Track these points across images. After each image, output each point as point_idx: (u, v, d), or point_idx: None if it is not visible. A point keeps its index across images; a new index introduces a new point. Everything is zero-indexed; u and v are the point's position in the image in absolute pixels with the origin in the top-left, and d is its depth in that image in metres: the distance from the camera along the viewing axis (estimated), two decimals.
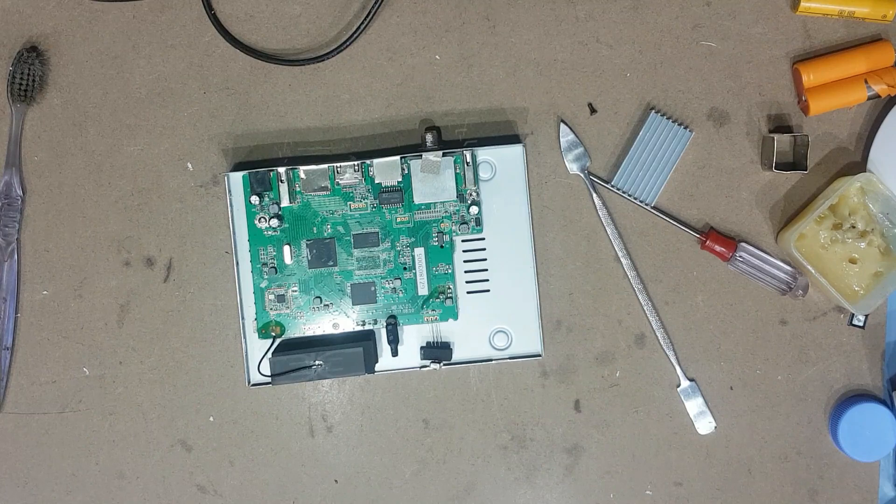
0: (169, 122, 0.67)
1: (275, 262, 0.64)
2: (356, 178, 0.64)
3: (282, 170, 0.64)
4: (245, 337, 0.65)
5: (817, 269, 0.64)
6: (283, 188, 0.64)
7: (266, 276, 0.65)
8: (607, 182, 0.66)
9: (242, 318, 0.65)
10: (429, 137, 0.64)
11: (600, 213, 0.66)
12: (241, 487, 0.67)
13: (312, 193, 0.64)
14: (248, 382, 0.65)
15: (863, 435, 0.65)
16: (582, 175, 0.66)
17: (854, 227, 0.64)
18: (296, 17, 0.67)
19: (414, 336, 0.66)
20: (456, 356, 0.66)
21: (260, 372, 0.64)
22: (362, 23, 0.65)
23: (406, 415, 0.67)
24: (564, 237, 0.67)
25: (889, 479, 0.67)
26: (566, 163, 0.66)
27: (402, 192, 0.64)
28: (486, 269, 0.65)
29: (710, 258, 0.67)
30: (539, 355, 0.65)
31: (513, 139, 0.66)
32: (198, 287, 0.67)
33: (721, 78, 0.66)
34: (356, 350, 0.62)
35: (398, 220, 0.65)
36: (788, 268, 0.65)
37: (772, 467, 0.67)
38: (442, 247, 0.65)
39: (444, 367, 0.66)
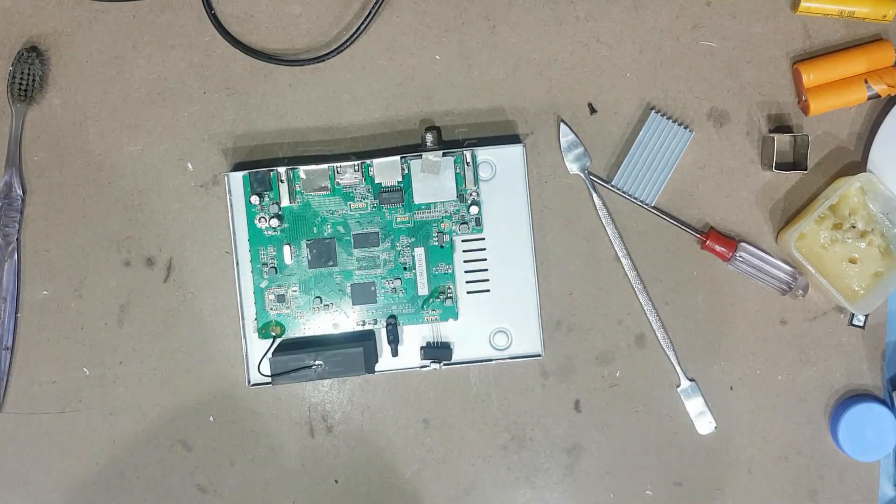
0: (169, 122, 0.67)
1: (275, 262, 0.65)
2: (356, 178, 0.64)
3: (282, 170, 0.64)
4: (245, 337, 0.65)
5: (817, 268, 0.64)
6: (283, 188, 0.64)
7: (266, 276, 0.65)
8: (607, 182, 0.66)
9: (242, 318, 0.65)
10: (429, 137, 0.64)
11: (600, 214, 0.66)
12: (241, 487, 0.67)
13: (312, 193, 0.64)
14: (248, 382, 0.65)
15: (863, 435, 0.65)
16: (582, 175, 0.66)
17: (854, 227, 0.64)
18: (296, 17, 0.67)
19: (414, 336, 0.66)
20: (456, 356, 0.66)
21: (260, 372, 0.64)
22: (362, 23, 0.65)
23: (406, 415, 0.67)
24: (564, 237, 0.67)
25: (889, 479, 0.67)
26: (566, 163, 0.66)
27: (402, 192, 0.64)
28: (486, 269, 0.65)
29: (710, 258, 0.67)
30: (539, 355, 0.65)
31: (513, 139, 0.66)
32: (198, 287, 0.67)
33: (721, 78, 0.66)
34: (356, 350, 0.62)
35: (398, 220, 0.65)
36: (788, 268, 0.66)
37: (772, 467, 0.67)
38: (442, 247, 0.65)
39: (444, 367, 0.66)
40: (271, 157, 0.67)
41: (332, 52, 0.66)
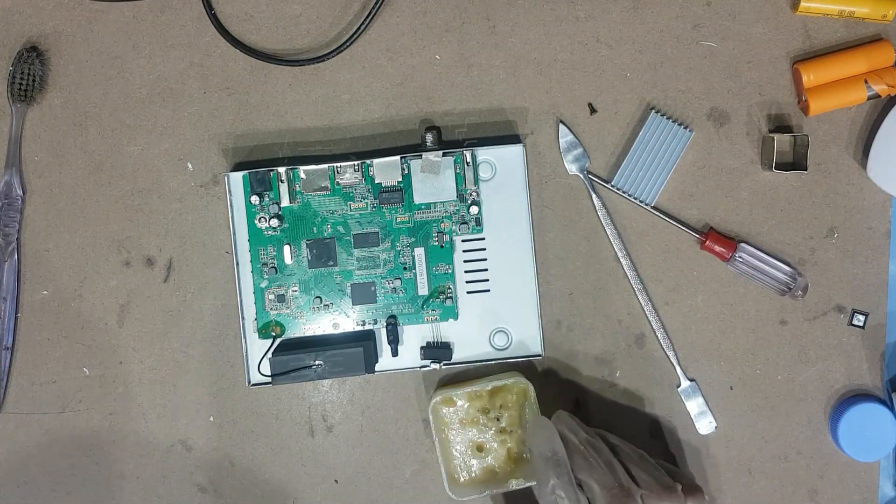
0: (169, 122, 0.67)
1: (275, 262, 0.64)
2: (356, 178, 0.64)
3: (282, 170, 0.64)
4: (245, 337, 0.65)
5: (442, 437, 0.63)
6: (283, 188, 0.64)
7: (266, 276, 0.65)
8: (607, 182, 0.66)
9: (242, 318, 0.65)
10: (429, 137, 0.64)
11: (600, 214, 0.66)
12: (241, 487, 0.67)
13: (312, 193, 0.64)
14: (248, 382, 0.65)
15: (863, 435, 0.65)
16: (581, 175, 0.66)
17: (498, 420, 0.64)
18: (296, 17, 0.67)
19: (414, 336, 0.66)
20: (456, 356, 0.66)
21: (260, 372, 0.64)
22: (362, 23, 0.65)
23: (406, 415, 0.67)
24: (564, 237, 0.67)
25: (889, 479, 0.67)
26: (565, 163, 0.66)
27: (402, 192, 0.64)
28: (486, 269, 0.65)
29: (710, 258, 0.67)
30: (539, 355, 0.65)
31: (513, 139, 0.66)
32: (198, 287, 0.67)
33: (721, 78, 0.66)
34: (356, 350, 0.62)
35: (398, 220, 0.65)
36: (788, 268, 0.66)
37: (772, 467, 0.67)
38: (442, 247, 0.65)
39: (443, 367, 0.66)
40: (271, 157, 0.67)
41: (332, 52, 0.66)
